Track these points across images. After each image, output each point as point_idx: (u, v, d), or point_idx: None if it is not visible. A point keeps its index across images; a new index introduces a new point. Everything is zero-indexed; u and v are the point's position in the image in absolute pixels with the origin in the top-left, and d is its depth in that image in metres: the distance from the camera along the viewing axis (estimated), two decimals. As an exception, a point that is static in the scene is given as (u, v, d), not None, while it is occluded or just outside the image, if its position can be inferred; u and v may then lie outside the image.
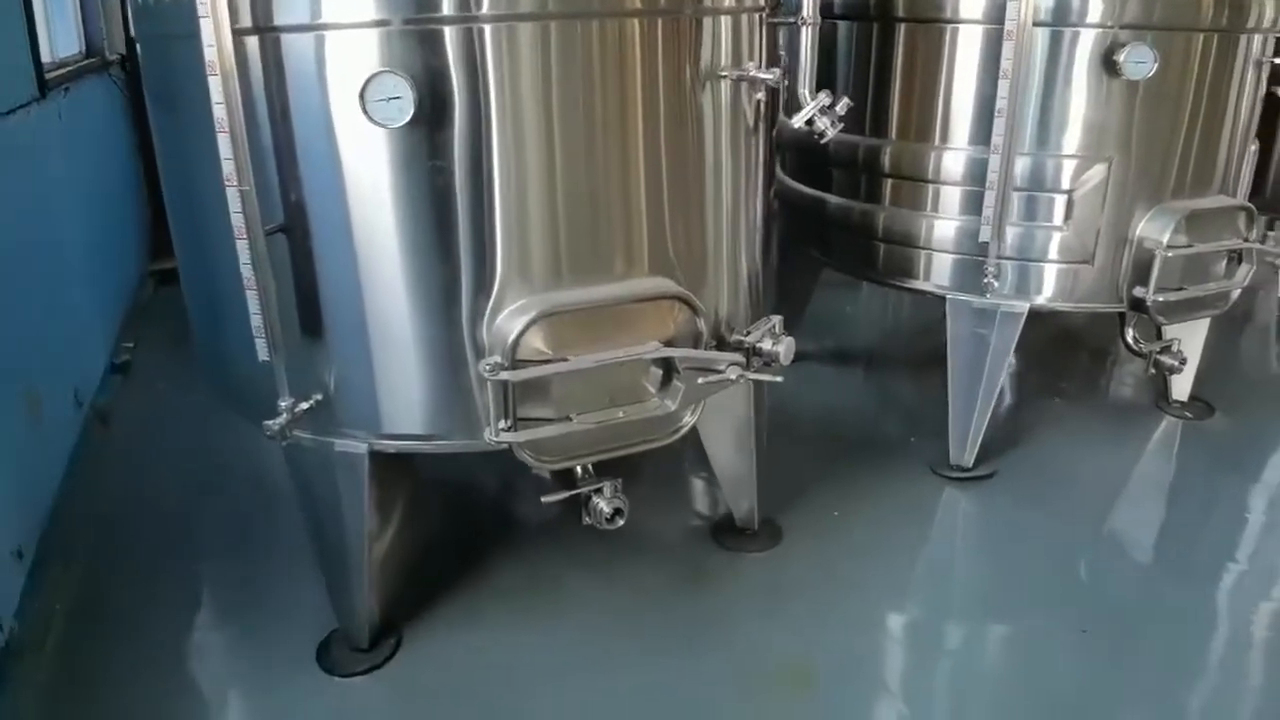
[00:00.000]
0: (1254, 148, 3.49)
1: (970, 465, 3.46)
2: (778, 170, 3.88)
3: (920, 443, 3.66)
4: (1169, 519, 3.37)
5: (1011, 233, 3.18)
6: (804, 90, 2.65)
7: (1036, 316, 3.35)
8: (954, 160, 3.22)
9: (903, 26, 3.28)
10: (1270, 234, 3.40)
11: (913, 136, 3.32)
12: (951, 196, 3.26)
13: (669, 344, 2.32)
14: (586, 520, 2.53)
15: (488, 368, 2.14)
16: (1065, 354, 4.72)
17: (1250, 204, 3.33)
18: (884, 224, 3.42)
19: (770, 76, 2.37)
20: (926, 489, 3.43)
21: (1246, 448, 3.77)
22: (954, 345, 3.34)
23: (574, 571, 2.97)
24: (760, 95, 2.44)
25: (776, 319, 2.60)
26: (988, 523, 3.32)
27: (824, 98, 2.62)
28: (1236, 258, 3.33)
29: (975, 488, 3.44)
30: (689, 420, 2.43)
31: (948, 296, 3.31)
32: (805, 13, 2.59)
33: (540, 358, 2.20)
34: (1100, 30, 3.00)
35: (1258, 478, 3.58)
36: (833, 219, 3.59)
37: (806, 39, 2.62)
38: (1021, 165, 3.11)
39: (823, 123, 2.64)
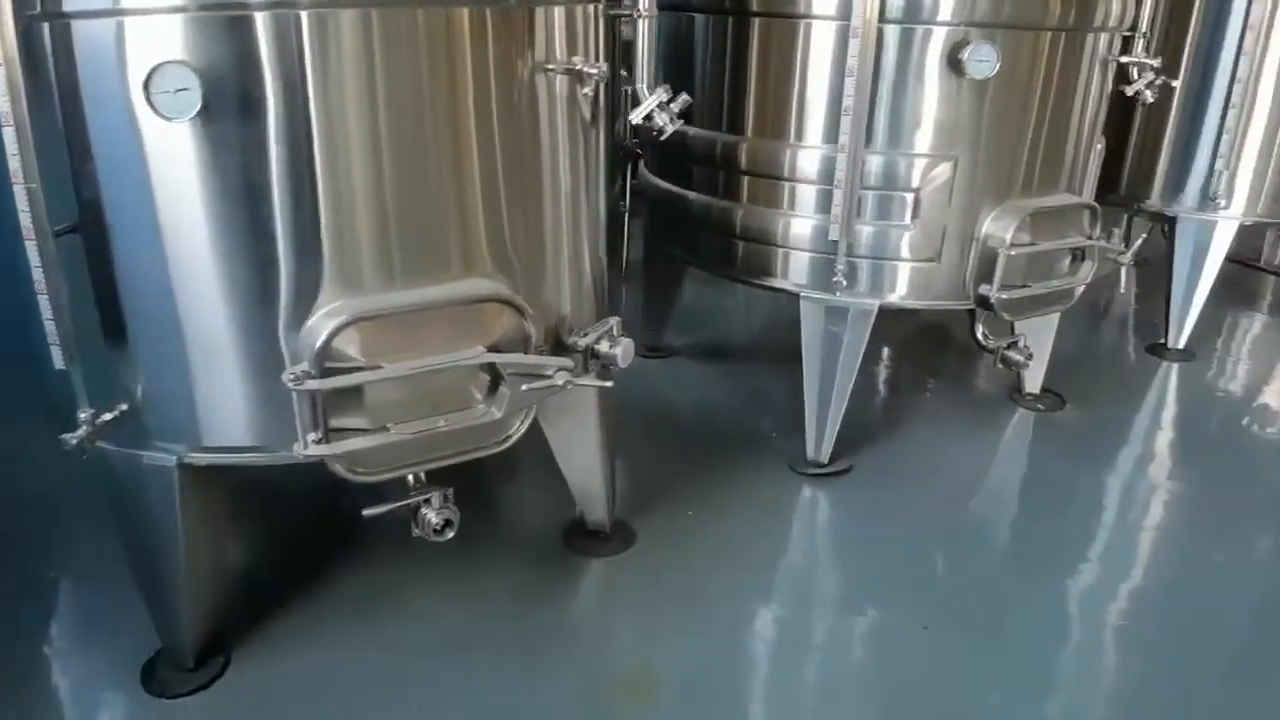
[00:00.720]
0: (1100, 146, 3.52)
1: (826, 461, 3.43)
2: (641, 167, 3.78)
3: (782, 439, 3.61)
4: (1019, 512, 3.40)
5: (864, 231, 3.14)
6: (641, 85, 2.56)
7: (899, 310, 3.34)
8: (808, 158, 3.16)
9: (757, 21, 3.20)
10: (1115, 231, 3.44)
11: (768, 134, 3.25)
12: (806, 194, 3.20)
13: (495, 349, 2.20)
14: (416, 532, 2.40)
15: (291, 377, 1.99)
16: (927, 348, 4.76)
17: (1094, 202, 3.35)
18: (742, 222, 3.35)
19: (595, 70, 2.26)
20: (784, 486, 3.38)
21: (1094, 439, 3.82)
22: (808, 343, 3.30)
23: (418, 583, 2.83)
24: (587, 89, 2.33)
25: (615, 320, 2.50)
26: (842, 520, 3.29)
27: (662, 93, 2.53)
28: (1080, 255, 3.34)
29: (831, 484, 3.41)
30: (519, 428, 2.32)
31: (800, 294, 3.25)
32: (641, 5, 2.49)
33: (352, 365, 2.06)
34: (948, 28, 2.97)
35: (1105, 468, 3.63)
36: (694, 216, 3.51)
37: (643, 32, 2.52)
38: (873, 164, 3.07)
39: (661, 118, 2.55)
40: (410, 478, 2.40)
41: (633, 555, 3.00)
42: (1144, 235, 5.87)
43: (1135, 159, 4.59)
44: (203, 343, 2.11)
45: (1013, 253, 3.08)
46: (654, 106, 2.53)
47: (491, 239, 2.26)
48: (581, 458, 2.83)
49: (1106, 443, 3.80)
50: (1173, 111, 4.46)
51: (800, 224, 3.22)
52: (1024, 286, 3.21)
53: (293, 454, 2.14)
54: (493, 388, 2.24)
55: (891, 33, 2.99)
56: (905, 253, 3.15)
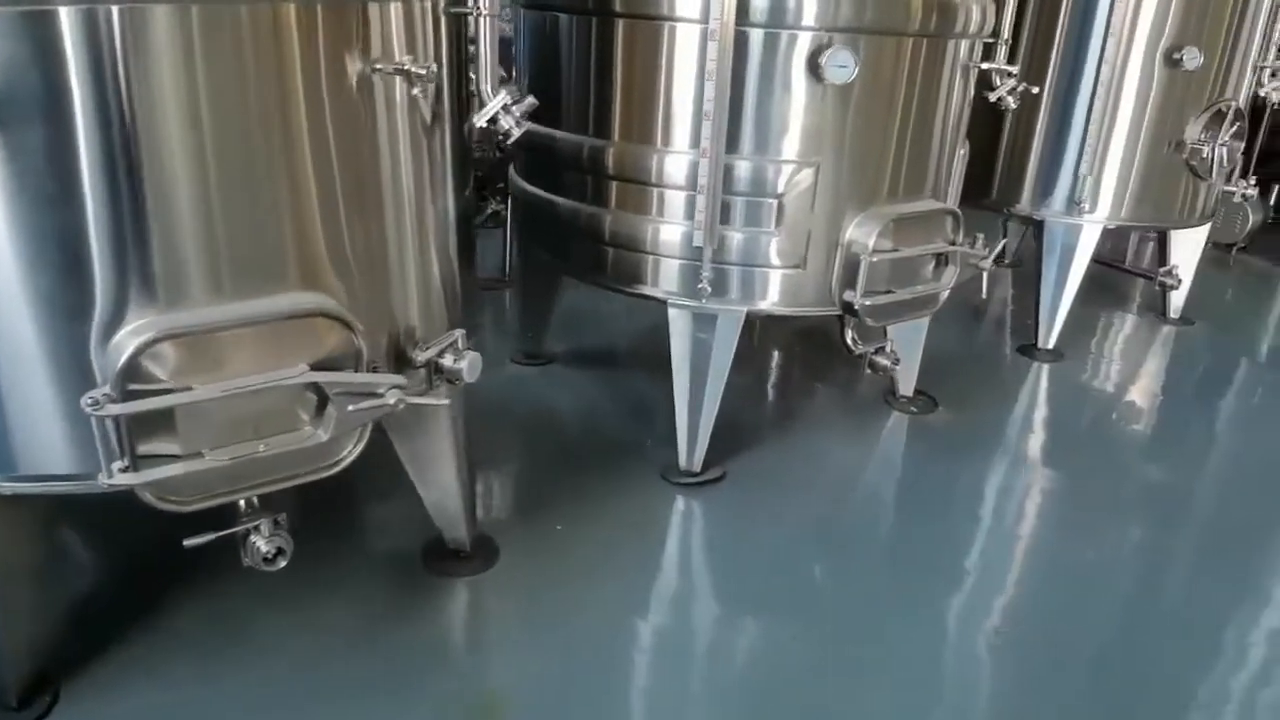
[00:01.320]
0: (963, 151, 3.51)
1: (699, 470, 3.34)
2: (511, 171, 3.64)
3: (658, 447, 3.51)
4: (893, 515, 3.37)
5: (730, 238, 3.07)
6: (485, 87, 2.42)
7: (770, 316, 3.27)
8: (675, 164, 3.06)
9: (621, 22, 3.08)
10: (980, 235, 3.42)
11: (635, 138, 3.14)
12: (674, 200, 3.11)
13: (321, 366, 2.04)
14: (246, 561, 2.22)
15: (90, 401, 1.81)
16: (802, 351, 4.72)
17: (956, 208, 3.33)
18: (610, 228, 3.24)
19: (425, 70, 2.12)
20: (655, 496, 3.28)
21: (966, 441, 3.82)
22: (676, 350, 3.20)
23: (266, 611, 2.65)
24: (417, 90, 2.18)
25: (459, 333, 2.36)
26: (714, 529, 3.21)
27: (505, 96, 2.40)
28: (944, 260, 3.32)
29: (704, 492, 3.33)
30: (353, 450, 2.17)
31: (668, 302, 3.16)
32: (481, 3, 2.36)
33: (161, 386, 1.88)
34: (811, 33, 2.90)
35: (977, 470, 3.63)
36: (563, 222, 3.39)
37: (484, 31, 2.38)
38: (737, 169, 3.00)
39: (506, 121, 2.42)
40: (243, 502, 2.22)
41: (496, 574, 2.86)
42: (1019, 238, 5.99)
43: (1006, 164, 4.63)
44: (7, 361, 1.91)
45: (875, 259, 3.03)
46: (498, 109, 2.39)
47: (321, 249, 2.10)
48: (436, 474, 2.69)
49: (978, 444, 3.80)
50: (1040, 118, 4.51)
51: (668, 230, 3.12)
52: (888, 292, 3.17)
53: (96, 484, 1.96)
54: (320, 408, 2.08)
55: (755, 37, 2.91)
56: (771, 259, 3.08)
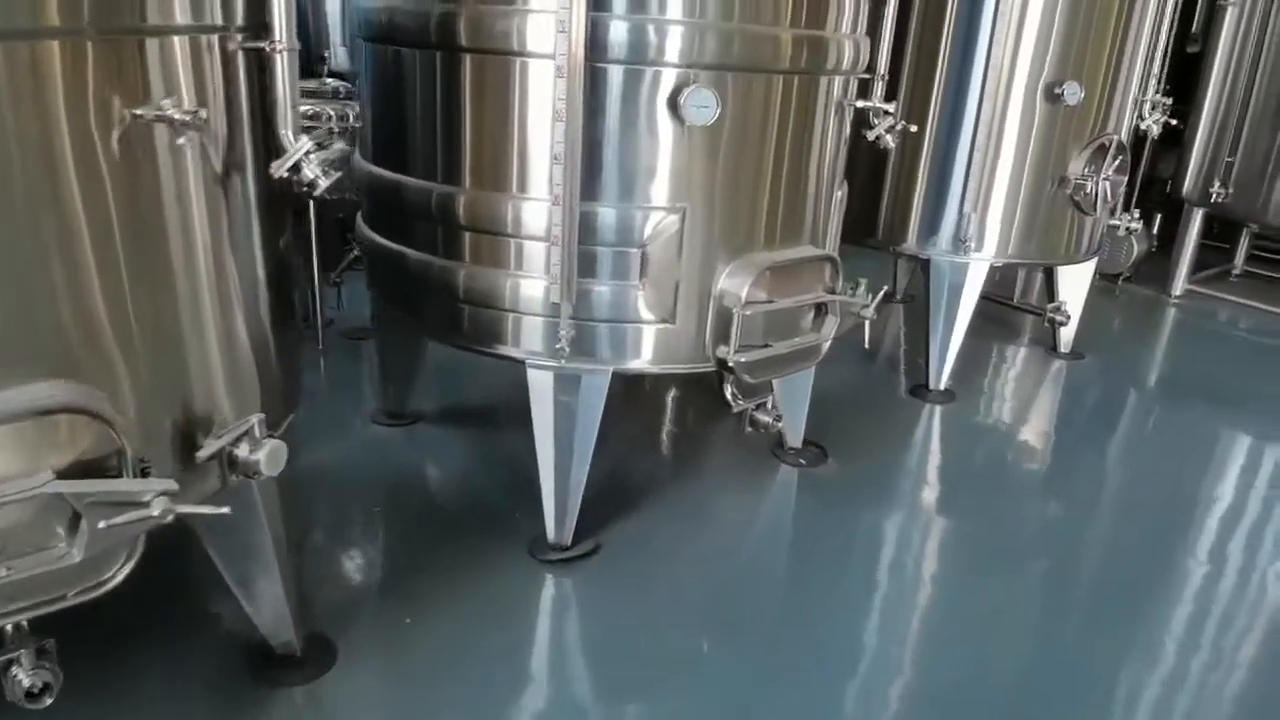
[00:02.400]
0: (840, 194, 3.26)
1: (569, 544, 3.00)
2: (359, 221, 3.26)
3: (527, 518, 3.15)
4: (781, 579, 3.08)
5: (593, 291, 2.75)
6: (284, 132, 2.06)
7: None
8: (531, 212, 2.73)
9: (469, 58, 2.75)
10: (863, 281, 3.16)
11: (488, 185, 2.81)
12: (532, 252, 2.77)
13: (75, 471, 1.65)
14: (9, 697, 1.80)
15: None
16: (683, 403, 4.38)
17: (834, 255, 3.08)
18: (465, 283, 2.89)
19: (188, 116, 1.76)
20: (521, 576, 2.93)
21: (857, 492, 3.57)
22: (538, 415, 2.87)
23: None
24: (183, 140, 1.81)
25: (257, 418, 1.98)
26: (588, 610, 2.87)
27: (308, 142, 2.04)
28: (823, 310, 3.05)
29: (575, 570, 2.98)
30: (120, 567, 1.77)
31: (527, 362, 2.82)
32: (276, 36, 2.00)
33: None
34: (673, 70, 2.61)
35: (869, 524, 3.38)
36: (414, 276, 3.02)
37: (281, 69, 2.03)
38: (599, 217, 2.69)
39: (310, 171, 2.06)
40: (9, 627, 1.81)
41: (333, 679, 2.47)
42: (909, 274, 5.82)
43: (891, 203, 4.43)
44: None
45: (748, 312, 2.74)
46: (299, 158, 2.03)
47: (78, 325, 1.72)
48: (252, 573, 2.30)
49: (870, 497, 3.55)
50: (924, 156, 4.32)
51: (526, 285, 2.79)
52: (765, 346, 2.88)
53: None
54: (73, 523, 1.68)
55: (613, 74, 2.63)
56: (637, 314, 2.78)
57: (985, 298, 4.63)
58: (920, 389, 4.52)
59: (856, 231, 4.49)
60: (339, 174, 2.12)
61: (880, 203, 4.43)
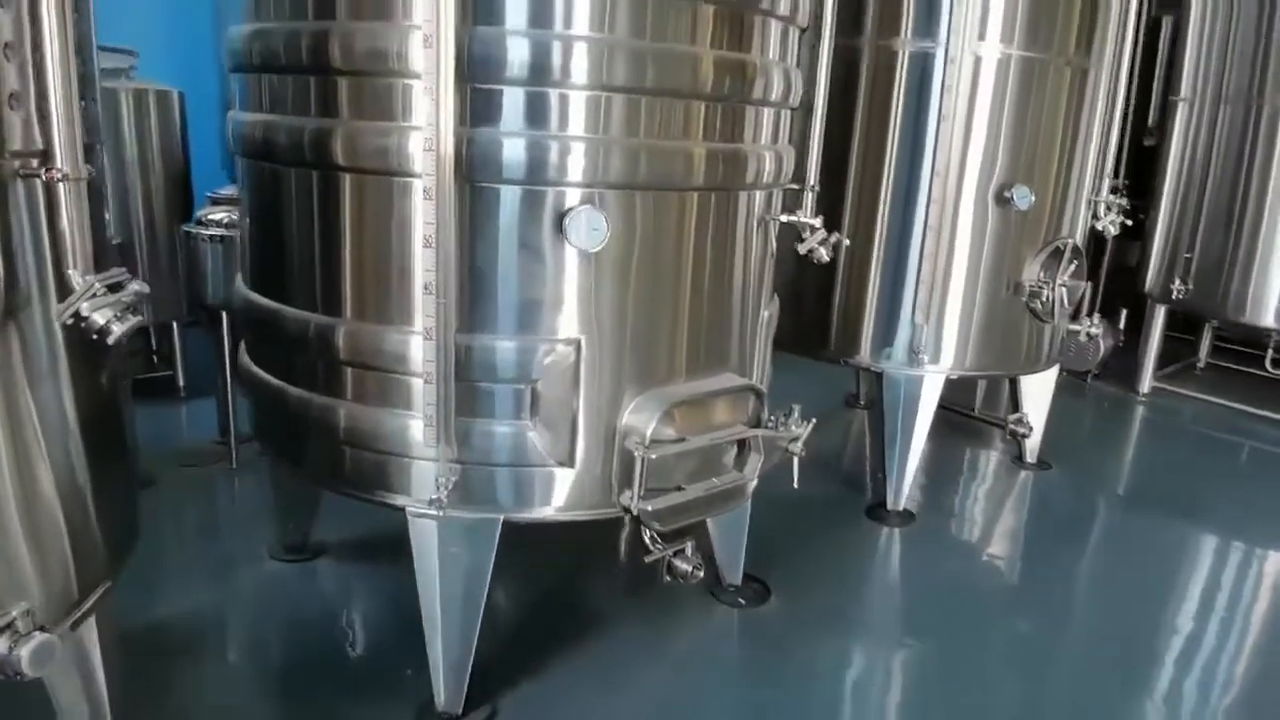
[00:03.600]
0: (768, 313, 2.89)
1: (459, 713, 2.55)
2: (241, 353, 2.87)
3: (417, 676, 2.69)
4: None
5: (479, 432, 2.36)
6: (70, 271, 1.70)
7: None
8: (413, 346, 2.35)
9: (348, 178, 2.40)
10: (796, 407, 2.77)
11: (369, 316, 2.43)
12: (414, 389, 2.38)
13: None
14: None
15: None
16: (603, 537, 3.77)
17: (758, 384, 2.70)
18: (345, 423, 2.50)
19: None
20: (407, 753, 2.47)
21: (802, 640, 3.12)
22: (423, 569, 2.45)
23: None
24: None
25: (18, 609, 1.57)
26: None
27: (95, 282, 1.68)
28: (747, 446, 2.65)
29: (467, 743, 2.52)
30: None
31: (407, 511, 2.41)
32: (59, 161, 1.65)
33: None
34: (564, 190, 2.28)
35: (812, 680, 2.92)
36: (293, 414, 2.63)
37: (64, 199, 1.68)
38: (483, 350, 2.32)
39: (101, 316, 1.69)
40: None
41: None
42: (870, 381, 5.44)
43: (841, 313, 4.07)
44: None
45: (653, 454, 2.35)
46: (84, 299, 1.67)
47: None
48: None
49: (817, 643, 3.11)
50: (874, 264, 3.98)
51: (406, 425, 2.40)
52: (677, 490, 2.48)
53: None
54: None
55: (494, 194, 2.28)
56: (529, 456, 2.38)
57: (944, 407, 4.26)
58: (878, 509, 4.10)
59: (807, 343, 4.15)
60: (136, 319, 1.76)
61: (830, 313, 4.08)
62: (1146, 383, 6.25)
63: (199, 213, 4.09)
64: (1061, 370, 4.77)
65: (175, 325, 4.94)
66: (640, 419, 2.39)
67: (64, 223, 1.71)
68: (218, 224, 3.86)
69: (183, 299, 4.56)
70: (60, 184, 1.68)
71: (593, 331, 2.37)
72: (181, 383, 5.09)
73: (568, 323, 2.34)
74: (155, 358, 5.25)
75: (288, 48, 2.37)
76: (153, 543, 3.65)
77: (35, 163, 1.73)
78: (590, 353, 2.36)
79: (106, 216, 3.51)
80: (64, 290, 1.79)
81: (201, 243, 3.88)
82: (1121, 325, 6.64)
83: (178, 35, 4.93)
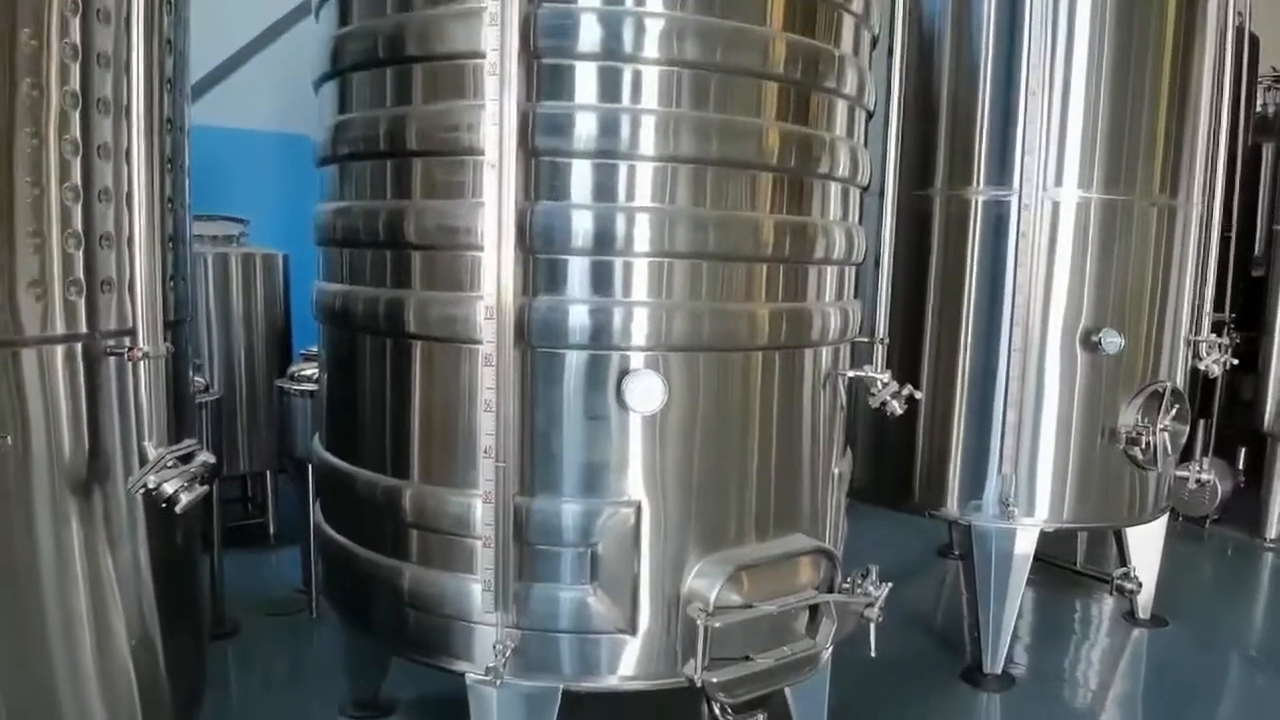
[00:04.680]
0: (839, 470, 2.82)
1: None
2: (316, 510, 2.93)
3: None
4: None
5: (540, 597, 2.33)
6: (145, 443, 1.79)
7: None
8: (476, 509, 2.36)
9: (418, 345, 2.49)
10: (873, 568, 2.66)
11: (435, 478, 2.48)
12: (476, 553, 2.38)
13: None
14: None
15: None
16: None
17: (830, 547, 2.60)
18: (410, 585, 2.51)
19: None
20: None
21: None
22: (481, 739, 2.38)
23: None
24: None
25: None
26: None
27: (166, 453, 1.76)
28: (819, 612, 2.54)
29: None
30: None
31: (466, 678, 2.37)
32: (141, 339, 1.76)
33: None
34: (628, 353, 2.31)
35: None
36: (363, 576, 2.65)
37: (145, 377, 1.78)
38: (542, 513, 2.32)
39: (171, 486, 1.77)
40: None
41: None
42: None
43: (925, 463, 3.94)
44: None
45: (717, 622, 2.27)
46: (153, 471, 1.75)
47: None
48: None
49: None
50: (958, 412, 3.87)
51: (467, 589, 2.39)
52: (744, 659, 2.38)
53: None
54: None
55: (555, 360, 2.34)
56: (589, 622, 2.33)
57: (1043, 560, 4.02)
58: (974, 672, 3.85)
59: (890, 494, 4.02)
60: (203, 489, 1.83)
61: (914, 464, 3.96)
62: (1274, 527, 5.80)
63: (292, 368, 4.30)
64: (1176, 516, 4.48)
65: (269, 474, 5.12)
66: (704, 584, 2.33)
67: (143, 398, 1.81)
68: (308, 379, 4.04)
69: (276, 450, 4.74)
70: (142, 362, 1.79)
71: (655, 493, 2.35)
72: (272, 530, 5.23)
73: (629, 485, 2.33)
74: (249, 505, 5.44)
75: (366, 224, 2.52)
76: (229, 692, 3.73)
77: (123, 342, 1.88)
78: (652, 515, 2.34)
79: (199, 380, 3.72)
80: (141, 460, 1.88)
81: (292, 397, 4.07)
82: (1240, 465, 6.27)
83: (287, 201, 5.30)
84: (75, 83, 1.85)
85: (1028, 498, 3.80)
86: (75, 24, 1.86)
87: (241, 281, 4.84)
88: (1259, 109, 7.16)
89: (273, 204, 5.45)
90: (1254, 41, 6.30)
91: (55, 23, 1.83)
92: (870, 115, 2.83)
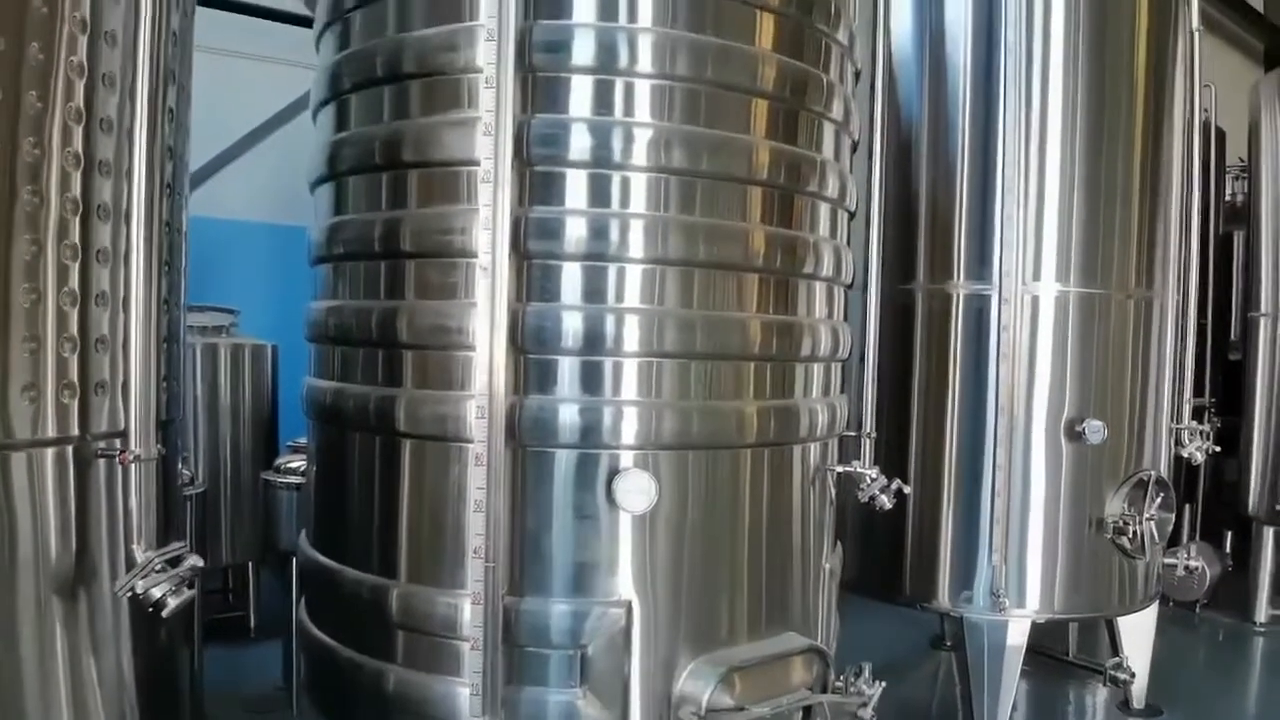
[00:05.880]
0: (830, 565, 2.81)
1: None
2: (300, 607, 2.89)
3: None
4: None
5: (527, 700, 2.29)
6: (133, 546, 1.78)
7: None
8: (463, 610, 2.32)
9: (408, 443, 2.49)
10: (866, 666, 2.64)
11: (424, 578, 2.45)
12: (463, 655, 2.34)
13: None
14: None
15: None
16: None
17: (823, 646, 2.58)
18: (395, 689, 2.44)
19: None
20: None
21: None
22: None
23: None
24: None
25: None
26: None
27: (153, 558, 1.75)
28: (811, 713, 2.51)
29: None
30: None
31: (453, 788, 2.32)
32: (132, 441, 1.77)
33: None
34: (617, 452, 2.32)
35: None
36: (345, 676, 2.59)
37: (134, 480, 1.78)
38: (531, 614, 2.29)
39: (159, 590, 1.76)
40: None
41: None
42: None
43: (916, 555, 3.93)
44: None
45: (710, 725, 2.24)
46: (140, 576, 1.74)
47: None
48: None
49: None
50: (946, 503, 3.88)
51: (458, 693, 2.33)
52: (737, 764, 2.34)
53: None
54: None
55: (551, 459, 2.34)
56: (580, 728, 2.29)
57: (1035, 651, 3.99)
58: (969, 772, 3.79)
59: (881, 586, 4.01)
60: (191, 593, 1.81)
61: (904, 555, 3.95)
62: (1263, 611, 5.79)
63: (279, 460, 4.27)
64: (1167, 601, 4.46)
65: (250, 566, 5.05)
66: (696, 686, 2.29)
67: (132, 500, 1.81)
68: (294, 472, 4.02)
69: (259, 542, 4.69)
70: (133, 464, 1.79)
71: (646, 593, 2.33)
72: (253, 623, 5.13)
73: (619, 585, 2.31)
74: (230, 597, 5.34)
75: (359, 322, 2.54)
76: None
77: (114, 444, 1.88)
78: (643, 615, 2.32)
79: (184, 473, 3.71)
80: (129, 563, 1.87)
81: (277, 490, 4.03)
82: (1228, 548, 6.27)
83: (276, 291, 5.35)
84: (76, 190, 1.89)
85: (1018, 589, 3.79)
86: (78, 133, 1.91)
87: (230, 372, 4.85)
88: (1228, 198, 7.39)
89: (262, 294, 5.50)
90: (1220, 135, 6.53)
91: (58, 132, 1.87)
92: (852, 215, 2.91)
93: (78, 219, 1.89)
